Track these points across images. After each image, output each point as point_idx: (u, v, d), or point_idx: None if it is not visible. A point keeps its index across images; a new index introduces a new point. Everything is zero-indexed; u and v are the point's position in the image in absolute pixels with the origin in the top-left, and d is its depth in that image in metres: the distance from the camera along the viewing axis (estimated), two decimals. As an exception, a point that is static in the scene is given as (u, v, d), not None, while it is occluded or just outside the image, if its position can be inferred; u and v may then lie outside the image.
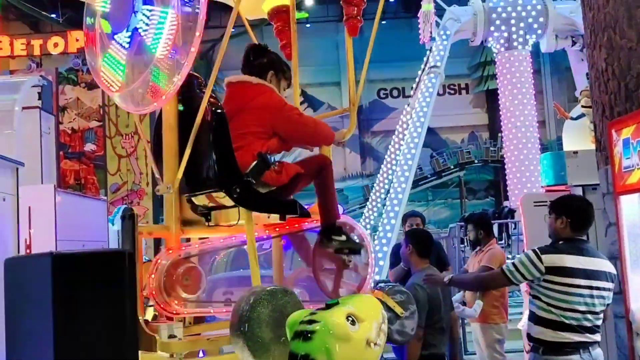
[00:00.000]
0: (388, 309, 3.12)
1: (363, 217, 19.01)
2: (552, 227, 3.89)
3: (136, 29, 3.03)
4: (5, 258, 2.49)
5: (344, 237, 3.28)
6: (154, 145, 3.36)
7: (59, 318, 2.03)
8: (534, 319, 3.80)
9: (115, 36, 3.13)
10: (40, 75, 7.17)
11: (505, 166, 16.73)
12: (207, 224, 3.22)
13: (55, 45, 22.30)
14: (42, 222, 5.37)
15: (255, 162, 3.04)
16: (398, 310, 3.21)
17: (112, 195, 20.61)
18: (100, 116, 21.13)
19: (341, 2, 3.60)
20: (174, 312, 2.99)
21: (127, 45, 3.07)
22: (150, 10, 3.01)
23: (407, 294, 3.33)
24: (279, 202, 3.18)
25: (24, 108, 6.06)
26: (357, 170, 27.50)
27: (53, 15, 24.63)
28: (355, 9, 3.59)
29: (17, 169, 4.17)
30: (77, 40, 22.39)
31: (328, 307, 2.58)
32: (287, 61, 3.65)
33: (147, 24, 3.01)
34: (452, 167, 26.68)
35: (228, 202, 3.09)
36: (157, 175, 3.29)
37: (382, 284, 3.50)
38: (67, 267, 2.10)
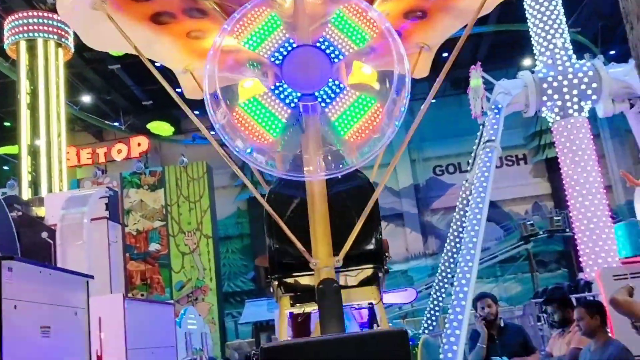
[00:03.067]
0: None
1: (430, 298, 18.48)
2: None
3: (315, 97, 2.99)
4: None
5: None
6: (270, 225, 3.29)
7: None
8: None
9: (278, 90, 3.01)
10: (107, 187, 7.43)
11: (576, 236, 16.09)
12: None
13: (119, 151, 23.38)
14: (112, 331, 5.41)
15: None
16: None
17: (177, 294, 20.84)
18: (163, 216, 21.67)
19: None
20: None
21: (293, 105, 2.99)
22: (342, 89, 3.00)
23: None
24: None
25: (92, 219, 6.25)
26: (419, 250, 27.02)
27: (116, 124, 25.96)
28: None
29: (88, 282, 4.23)
30: (138, 145, 23.45)
31: None
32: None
33: (330, 99, 2.98)
34: (516, 240, 25.93)
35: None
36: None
37: None
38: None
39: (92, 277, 4.31)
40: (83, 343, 4.26)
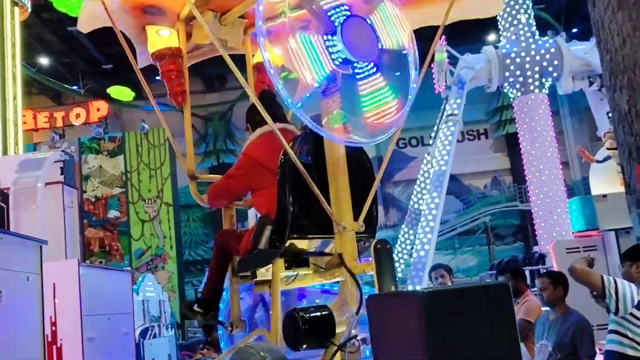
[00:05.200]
0: None
1: (390, 269, 18.77)
2: (626, 274, 4.16)
3: (354, 67, 3.07)
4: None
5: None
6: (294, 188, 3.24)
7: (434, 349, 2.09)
8: (616, 357, 3.79)
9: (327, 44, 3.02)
10: (63, 151, 7.25)
11: (532, 210, 16.48)
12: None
13: (77, 116, 22.83)
14: (67, 297, 5.32)
15: None
16: None
17: (136, 261, 20.65)
18: (122, 182, 21.35)
19: None
20: None
21: (337, 63, 3.01)
22: (376, 72, 3.14)
23: None
24: None
25: (47, 184, 6.10)
26: (381, 222, 27.31)
27: (74, 87, 25.29)
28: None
29: (41, 247, 4.14)
30: (98, 109, 22.92)
31: None
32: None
33: (366, 77, 3.11)
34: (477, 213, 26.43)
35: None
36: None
37: None
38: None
39: (45, 242, 4.22)
40: (36, 308, 4.19)
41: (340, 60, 2.99)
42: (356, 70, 3.06)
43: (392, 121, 3.16)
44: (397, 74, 3.27)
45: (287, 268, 3.29)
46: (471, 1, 3.85)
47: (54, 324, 5.21)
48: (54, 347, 5.23)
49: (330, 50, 2.98)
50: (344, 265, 3.12)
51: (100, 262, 19.56)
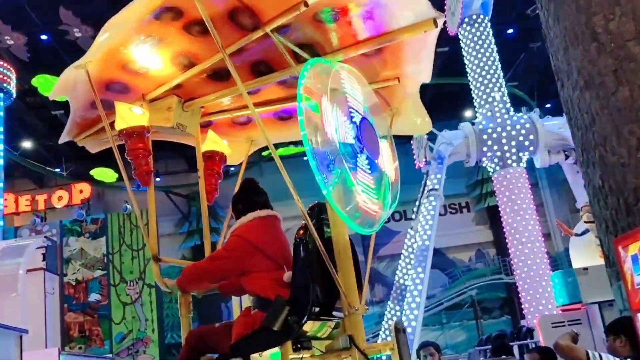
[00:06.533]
0: None
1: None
2: (611, 348, 4.13)
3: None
4: None
5: None
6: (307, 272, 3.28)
7: None
8: None
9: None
10: (45, 237, 7.23)
11: (517, 283, 16.46)
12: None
13: (60, 198, 22.76)
14: (46, 387, 5.18)
15: None
16: None
17: (117, 346, 20.12)
18: (104, 264, 21.09)
19: None
20: None
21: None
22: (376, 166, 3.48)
23: None
24: None
25: (28, 270, 6.05)
26: (367, 298, 27.00)
27: (57, 170, 25.32)
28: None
29: (21, 336, 4.07)
30: (80, 192, 22.89)
31: None
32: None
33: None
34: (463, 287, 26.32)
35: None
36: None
37: None
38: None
39: (26, 331, 4.15)
40: (14, 401, 4.07)
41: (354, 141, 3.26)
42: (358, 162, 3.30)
43: (375, 218, 3.35)
44: (383, 185, 3.54)
45: (294, 350, 3.25)
46: (404, 122, 4.20)
47: (31, 416, 5.04)
48: None
49: (346, 129, 3.25)
50: (356, 347, 3.12)
51: (80, 348, 19.02)
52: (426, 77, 4.07)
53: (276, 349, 3.29)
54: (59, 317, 6.63)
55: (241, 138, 4.60)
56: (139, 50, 3.61)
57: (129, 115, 3.82)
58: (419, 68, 4.01)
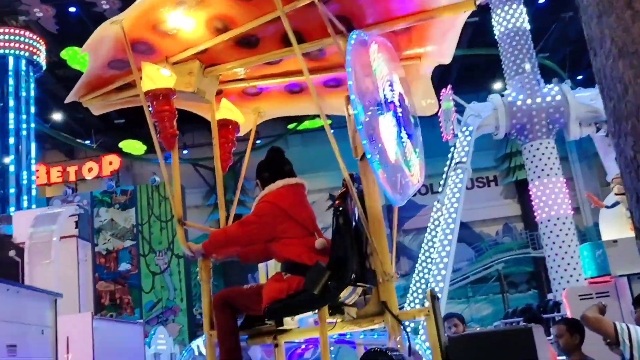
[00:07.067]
0: None
1: (402, 319, 18.53)
2: (639, 320, 4.24)
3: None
4: None
5: None
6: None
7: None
8: None
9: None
10: (78, 205, 7.37)
11: (545, 257, 16.34)
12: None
13: (90, 170, 23.13)
14: (80, 350, 5.34)
15: None
16: None
17: (147, 314, 20.55)
18: (134, 235, 21.45)
19: None
20: None
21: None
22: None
23: None
24: None
25: (61, 238, 6.19)
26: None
27: (87, 142, 25.70)
28: None
29: (56, 300, 4.19)
30: (110, 163, 23.23)
31: None
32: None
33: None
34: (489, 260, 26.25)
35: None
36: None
37: None
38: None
39: (60, 295, 4.28)
40: (50, 362, 4.21)
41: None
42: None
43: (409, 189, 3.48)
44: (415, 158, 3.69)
45: (330, 314, 3.32)
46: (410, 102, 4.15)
47: (66, 377, 5.22)
48: (67, 401, 5.22)
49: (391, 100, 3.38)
50: (390, 312, 3.21)
51: (111, 316, 19.48)
52: (447, 58, 4.04)
53: (306, 314, 3.37)
54: (91, 284, 6.82)
55: (249, 109, 4.54)
56: (176, 10, 3.58)
57: (157, 76, 3.76)
58: (442, 49, 3.98)
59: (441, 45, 3.93)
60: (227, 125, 4.29)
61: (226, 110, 4.31)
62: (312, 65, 4.06)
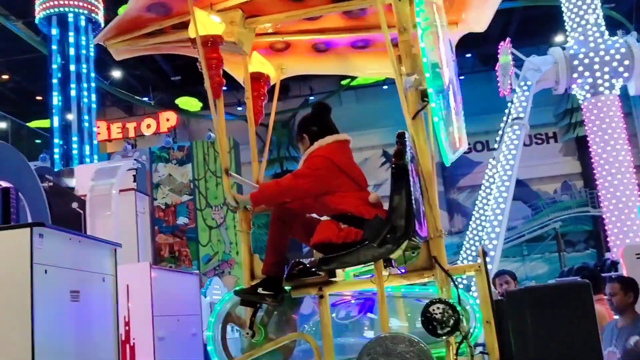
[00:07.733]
0: None
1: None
2: None
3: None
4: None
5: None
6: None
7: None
8: None
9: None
10: (135, 159, 7.61)
11: (604, 216, 15.92)
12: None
13: (148, 126, 23.68)
14: (139, 298, 5.57)
15: None
16: None
17: (204, 266, 21.15)
18: (191, 190, 21.95)
19: None
20: None
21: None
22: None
23: None
24: None
25: (120, 191, 6.42)
26: (445, 228, 26.71)
27: (145, 99, 26.22)
28: None
29: (116, 250, 4.37)
30: (167, 120, 23.70)
31: None
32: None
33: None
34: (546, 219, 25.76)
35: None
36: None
37: None
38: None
39: (119, 245, 4.45)
40: (111, 308, 4.40)
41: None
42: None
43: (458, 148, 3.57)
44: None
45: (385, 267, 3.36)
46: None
47: (127, 323, 5.46)
48: (127, 345, 5.48)
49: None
50: (441, 267, 3.23)
51: (170, 267, 20.17)
52: (482, 26, 3.94)
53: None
54: (149, 235, 7.08)
55: (273, 65, 4.46)
56: None
57: (208, 22, 3.69)
58: (479, 15, 3.88)
59: (479, 12, 3.84)
60: (258, 79, 4.26)
61: (258, 63, 4.28)
62: (350, 24, 4.00)
